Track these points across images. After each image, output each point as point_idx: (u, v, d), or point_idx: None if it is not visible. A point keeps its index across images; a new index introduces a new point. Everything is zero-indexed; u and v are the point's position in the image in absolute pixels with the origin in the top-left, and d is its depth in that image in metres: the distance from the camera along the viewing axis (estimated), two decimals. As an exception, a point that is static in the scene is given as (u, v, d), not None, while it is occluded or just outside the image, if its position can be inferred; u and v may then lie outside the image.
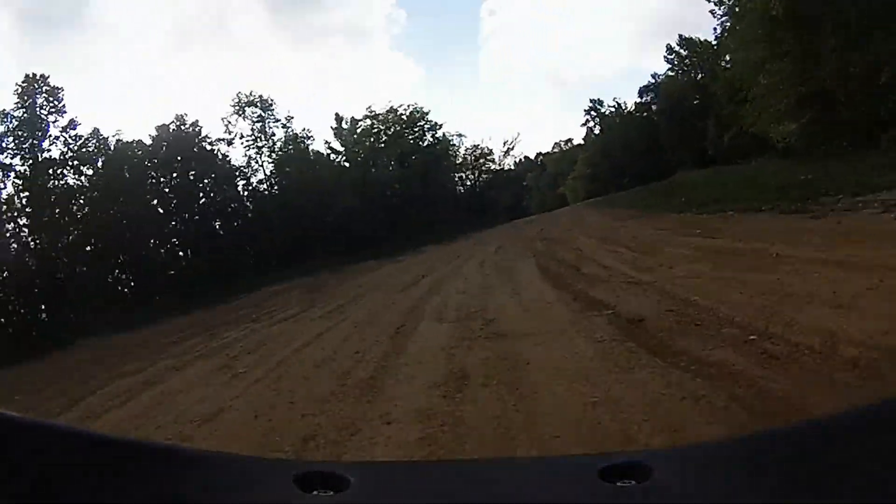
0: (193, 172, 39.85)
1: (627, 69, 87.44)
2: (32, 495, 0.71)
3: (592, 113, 68.46)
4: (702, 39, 48.71)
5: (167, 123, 40.62)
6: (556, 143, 79.61)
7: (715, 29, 43.11)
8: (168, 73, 72.04)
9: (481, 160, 50.18)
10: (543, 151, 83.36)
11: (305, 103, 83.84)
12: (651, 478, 0.83)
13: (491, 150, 50.46)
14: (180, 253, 40.06)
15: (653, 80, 54.67)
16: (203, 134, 41.00)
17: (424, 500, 0.90)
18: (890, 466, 0.73)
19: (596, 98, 67.63)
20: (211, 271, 35.56)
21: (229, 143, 42.50)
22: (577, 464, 1.13)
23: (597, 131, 64.65)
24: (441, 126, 49.96)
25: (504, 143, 48.64)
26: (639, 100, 55.84)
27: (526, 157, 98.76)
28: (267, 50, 64.92)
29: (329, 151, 46.74)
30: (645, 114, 54.96)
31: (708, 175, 34.30)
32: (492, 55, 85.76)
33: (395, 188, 42.62)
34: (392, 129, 46.91)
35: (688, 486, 0.86)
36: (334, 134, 47.49)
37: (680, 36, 48.95)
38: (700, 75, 46.70)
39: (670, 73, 49.99)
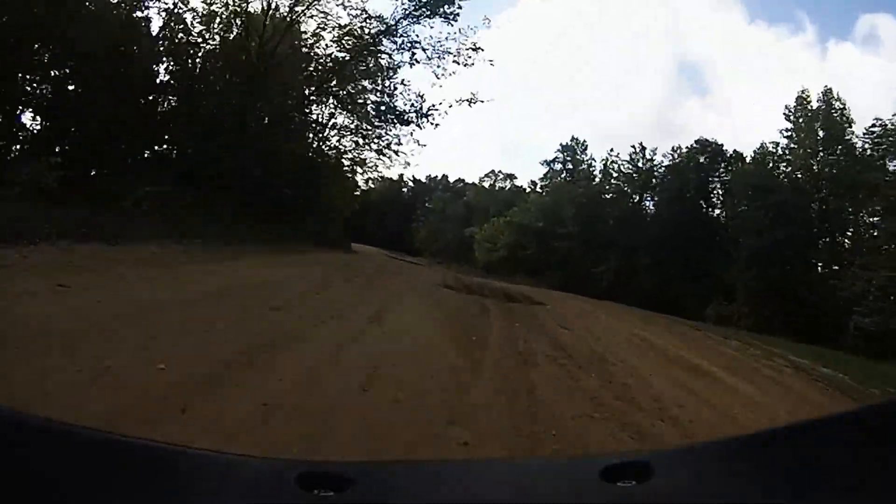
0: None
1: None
2: (33, 495, 0.69)
3: (566, 154, 42.90)
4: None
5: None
6: (491, 171, 52.88)
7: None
8: None
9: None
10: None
11: None
12: (652, 478, 0.81)
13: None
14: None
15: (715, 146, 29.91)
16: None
17: (425, 499, 0.87)
18: (890, 466, 0.71)
19: (580, 139, 42.39)
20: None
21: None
22: (578, 464, 1.14)
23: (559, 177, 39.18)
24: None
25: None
26: (679, 155, 30.38)
27: (444, 176, 72.21)
28: None
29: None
30: (690, 192, 29.28)
31: None
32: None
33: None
34: None
35: (688, 486, 0.84)
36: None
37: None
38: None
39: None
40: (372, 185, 71.45)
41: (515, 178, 51.48)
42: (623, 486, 0.81)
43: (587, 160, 40.35)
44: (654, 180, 31.09)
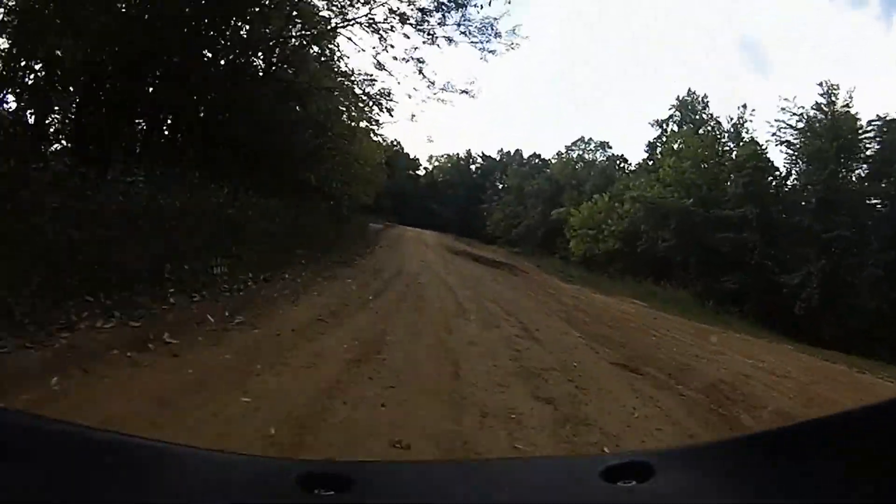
0: None
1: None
2: (32, 495, 0.70)
3: (683, 111, 31.84)
4: None
5: None
6: (580, 139, 42.03)
7: None
8: None
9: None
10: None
11: None
12: (652, 478, 0.81)
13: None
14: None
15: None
16: None
17: (426, 499, 0.86)
18: (890, 466, 0.69)
19: (697, 93, 31.52)
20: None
21: None
22: (579, 464, 1.12)
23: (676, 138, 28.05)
24: None
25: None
26: None
27: (517, 151, 62.65)
28: None
29: None
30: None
31: None
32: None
33: None
34: None
35: (689, 486, 0.84)
36: None
37: None
38: None
39: None
40: (437, 163, 62.79)
41: (610, 146, 40.76)
42: (624, 486, 0.80)
43: (709, 117, 29.53)
44: (863, 139, 19.73)
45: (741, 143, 25.08)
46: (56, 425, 0.81)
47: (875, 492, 0.69)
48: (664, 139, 29.00)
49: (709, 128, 28.83)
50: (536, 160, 53.81)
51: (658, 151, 27.94)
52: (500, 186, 58.08)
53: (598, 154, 41.18)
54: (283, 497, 0.80)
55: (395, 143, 63.12)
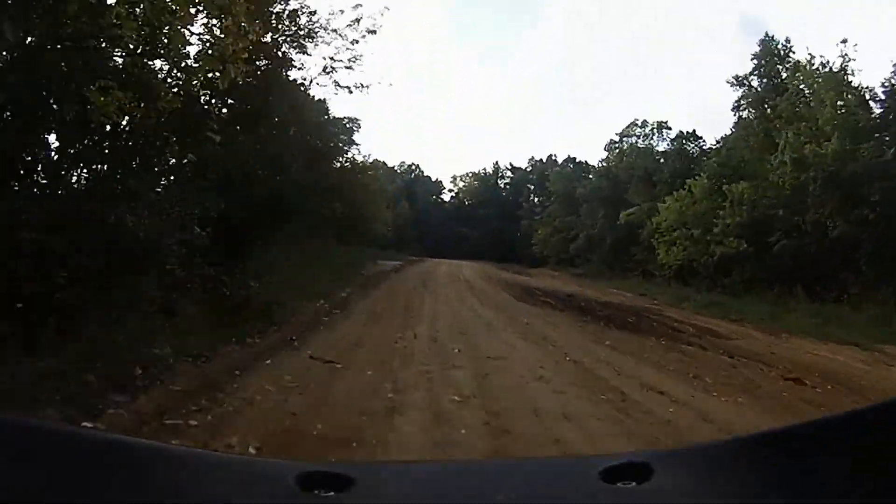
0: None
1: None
2: (35, 494, 0.70)
3: (768, 61, 24.71)
4: None
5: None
6: (632, 123, 34.69)
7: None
8: None
9: None
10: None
11: None
12: (652, 479, 0.81)
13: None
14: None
15: None
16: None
17: (425, 500, 0.86)
18: (889, 467, 0.70)
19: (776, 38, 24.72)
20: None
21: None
22: (578, 465, 1.14)
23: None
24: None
25: None
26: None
27: (550, 157, 55.85)
28: None
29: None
30: None
31: None
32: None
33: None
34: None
35: (688, 486, 0.84)
36: None
37: None
38: None
39: None
40: (462, 184, 56.13)
41: (669, 126, 33.31)
42: (623, 487, 0.80)
43: (806, 61, 21.83)
44: None
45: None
46: (56, 425, 0.73)
47: (875, 491, 0.68)
48: (772, 84, 21.40)
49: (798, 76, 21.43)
50: (570, 164, 46.92)
51: (767, 107, 20.38)
52: (536, 200, 51.20)
53: (654, 138, 33.98)
54: (283, 497, 0.79)
55: (413, 166, 57.70)
